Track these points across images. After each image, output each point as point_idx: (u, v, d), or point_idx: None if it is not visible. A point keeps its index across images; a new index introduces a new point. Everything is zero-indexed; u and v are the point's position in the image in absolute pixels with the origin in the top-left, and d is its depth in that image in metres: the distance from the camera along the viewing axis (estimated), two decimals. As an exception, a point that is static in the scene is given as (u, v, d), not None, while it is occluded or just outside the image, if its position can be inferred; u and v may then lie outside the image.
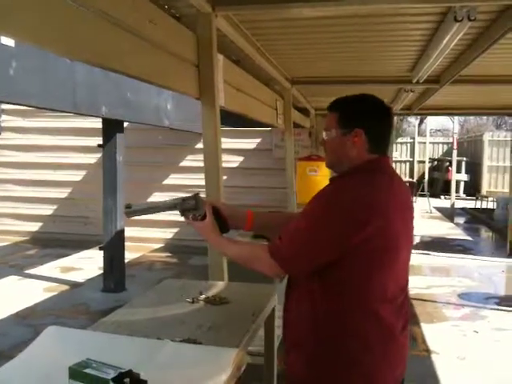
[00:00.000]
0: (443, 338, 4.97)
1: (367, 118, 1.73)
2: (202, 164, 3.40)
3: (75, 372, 1.41)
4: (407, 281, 1.80)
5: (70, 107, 5.03)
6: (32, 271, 7.37)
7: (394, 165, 17.57)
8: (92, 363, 1.44)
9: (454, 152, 15.59)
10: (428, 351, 4.62)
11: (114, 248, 6.41)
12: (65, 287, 6.61)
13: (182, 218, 1.98)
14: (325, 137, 1.79)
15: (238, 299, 2.38)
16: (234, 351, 1.66)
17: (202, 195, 2.14)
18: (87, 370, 1.41)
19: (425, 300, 6.17)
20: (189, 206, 1.93)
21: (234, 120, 6.82)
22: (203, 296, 2.37)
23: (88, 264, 7.76)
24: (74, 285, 6.71)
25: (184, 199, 1.93)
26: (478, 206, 15.18)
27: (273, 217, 2.14)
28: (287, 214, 1.80)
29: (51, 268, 7.60)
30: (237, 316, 2.16)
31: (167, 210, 1.96)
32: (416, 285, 6.66)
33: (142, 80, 2.82)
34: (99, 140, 6.41)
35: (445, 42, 3.83)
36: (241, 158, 9.22)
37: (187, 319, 2.10)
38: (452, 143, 16.05)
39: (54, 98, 4.69)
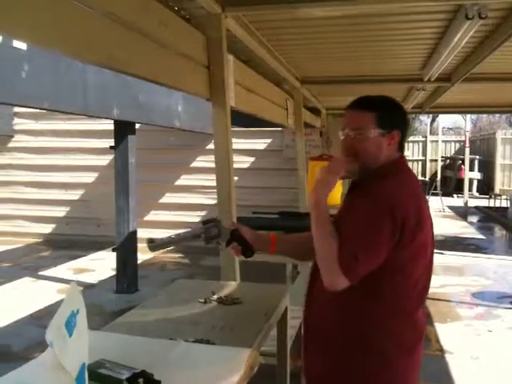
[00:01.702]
0: (457, 338, 4.93)
1: (402, 121, 1.80)
2: (213, 165, 3.41)
3: (89, 372, 1.42)
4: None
5: (81, 109, 5.06)
6: (45, 273, 7.43)
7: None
8: (106, 363, 1.45)
9: (467, 150, 15.47)
10: (442, 351, 4.59)
11: (126, 249, 6.44)
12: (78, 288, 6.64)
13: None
14: (353, 135, 1.74)
15: (251, 299, 2.38)
16: (247, 351, 1.66)
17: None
18: (101, 371, 1.42)
19: (438, 299, 6.12)
20: (213, 234, 1.95)
21: (245, 120, 6.81)
22: (216, 296, 2.37)
23: (101, 265, 7.80)
24: (87, 286, 6.74)
25: (207, 227, 1.95)
26: (492, 204, 15.06)
27: (294, 237, 2.12)
28: (308, 233, 1.78)
29: (64, 269, 7.65)
30: (249, 316, 2.16)
31: (191, 240, 1.98)
32: (429, 284, 6.61)
33: (152, 81, 2.83)
34: (111, 142, 6.45)
35: (456, 40, 3.81)
36: (252, 159, 9.22)
37: (200, 319, 2.11)
38: (464, 141, 15.94)
39: (65, 101, 4.72)
